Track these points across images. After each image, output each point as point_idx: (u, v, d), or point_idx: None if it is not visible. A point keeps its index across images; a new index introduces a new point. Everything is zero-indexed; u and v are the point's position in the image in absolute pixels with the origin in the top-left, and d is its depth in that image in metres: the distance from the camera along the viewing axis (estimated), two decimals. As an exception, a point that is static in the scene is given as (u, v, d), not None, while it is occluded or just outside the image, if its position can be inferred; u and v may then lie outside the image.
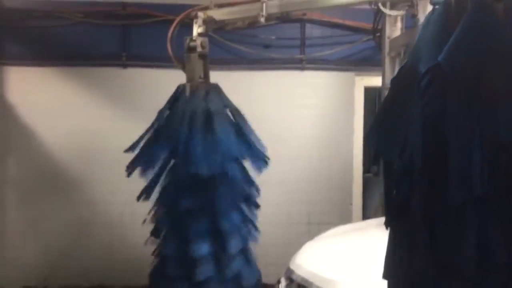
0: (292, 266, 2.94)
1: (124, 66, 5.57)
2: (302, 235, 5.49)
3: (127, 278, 5.41)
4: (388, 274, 1.62)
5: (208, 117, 3.59)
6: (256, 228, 3.74)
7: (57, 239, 5.47)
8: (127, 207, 5.49)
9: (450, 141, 1.38)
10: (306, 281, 2.69)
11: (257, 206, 3.79)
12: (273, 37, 5.60)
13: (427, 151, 1.43)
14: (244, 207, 3.68)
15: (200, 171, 3.39)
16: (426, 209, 1.44)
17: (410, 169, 1.46)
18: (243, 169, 3.75)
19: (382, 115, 1.59)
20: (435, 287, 1.44)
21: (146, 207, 5.31)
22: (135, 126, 5.44)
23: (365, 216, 5.90)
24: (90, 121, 5.51)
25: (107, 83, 5.57)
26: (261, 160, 3.78)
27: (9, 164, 5.54)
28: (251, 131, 3.82)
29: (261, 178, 5.60)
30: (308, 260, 2.96)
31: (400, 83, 1.55)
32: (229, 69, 5.58)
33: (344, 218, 5.47)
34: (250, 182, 3.77)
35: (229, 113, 3.78)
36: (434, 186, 1.43)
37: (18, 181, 5.52)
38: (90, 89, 5.56)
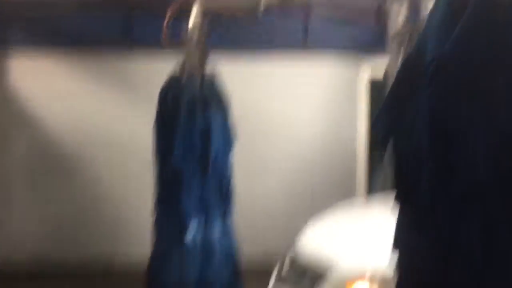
0: (295, 247, 2.98)
1: (129, 52, 5.60)
2: (305, 211, 5.58)
3: (133, 254, 5.52)
4: (397, 245, 1.67)
5: (202, 104, 3.72)
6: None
7: (64, 217, 5.59)
8: (132, 187, 5.58)
9: (455, 129, 1.41)
10: (309, 261, 2.74)
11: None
12: (276, 20, 5.57)
13: (433, 138, 1.45)
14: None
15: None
16: (433, 195, 1.47)
17: (419, 152, 1.49)
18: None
19: (390, 99, 1.61)
20: (441, 264, 1.48)
21: (150, 188, 5.44)
22: (138, 111, 5.54)
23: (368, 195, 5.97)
24: (94, 106, 5.59)
25: (112, 68, 5.62)
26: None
27: (16, 148, 5.61)
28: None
29: (266, 160, 5.69)
30: (311, 240, 3.00)
31: (408, 69, 1.57)
32: (234, 55, 5.58)
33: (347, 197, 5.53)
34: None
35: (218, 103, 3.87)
36: (441, 174, 1.45)
37: (25, 164, 5.61)
38: (94, 74, 5.63)
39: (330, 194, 5.70)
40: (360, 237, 2.86)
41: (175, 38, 4.08)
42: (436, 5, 1.59)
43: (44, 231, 5.57)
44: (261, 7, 3.73)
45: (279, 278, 2.96)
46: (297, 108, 5.73)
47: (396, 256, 1.69)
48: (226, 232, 3.83)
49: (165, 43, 4.08)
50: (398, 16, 4.61)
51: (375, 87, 5.99)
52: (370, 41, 5.65)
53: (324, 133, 5.75)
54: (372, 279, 2.45)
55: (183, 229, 3.70)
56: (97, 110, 5.59)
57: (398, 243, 1.69)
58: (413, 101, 1.53)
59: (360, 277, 2.46)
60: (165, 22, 4.11)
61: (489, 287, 1.40)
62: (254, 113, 5.56)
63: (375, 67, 5.60)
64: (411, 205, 1.59)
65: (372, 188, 6.03)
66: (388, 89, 1.68)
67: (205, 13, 3.92)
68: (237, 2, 3.97)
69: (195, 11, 3.84)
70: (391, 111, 1.61)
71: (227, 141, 3.81)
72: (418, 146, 1.50)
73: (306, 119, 5.76)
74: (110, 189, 5.66)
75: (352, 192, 5.82)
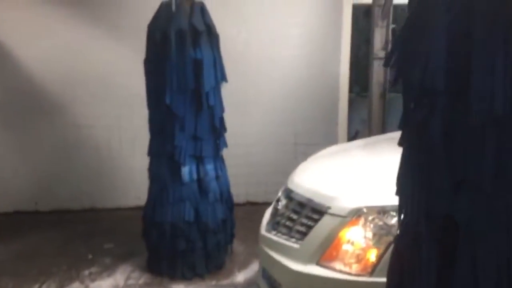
0: (290, 186, 2.98)
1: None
2: (289, 155, 5.60)
3: (117, 200, 5.50)
4: (401, 191, 1.67)
5: (193, 36, 3.62)
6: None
7: (45, 163, 5.43)
8: (114, 131, 5.45)
9: (474, 60, 1.37)
10: (306, 198, 2.75)
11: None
12: None
13: (449, 72, 1.41)
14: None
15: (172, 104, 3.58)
16: (446, 129, 1.46)
17: (431, 90, 1.45)
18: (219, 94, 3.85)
19: (404, 33, 1.56)
20: (450, 203, 1.49)
21: (133, 132, 5.31)
22: (117, 46, 5.30)
23: (350, 135, 6.01)
24: (71, 41, 5.29)
25: (97, 1, 5.30)
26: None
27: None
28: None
29: (248, 98, 5.62)
30: (305, 179, 3.00)
31: (424, 1, 1.51)
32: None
33: (330, 138, 5.56)
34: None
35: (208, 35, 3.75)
36: (455, 106, 1.43)
37: (0, 106, 5.36)
38: (70, 6, 5.29)
39: (313, 132, 5.70)
40: (353, 177, 2.87)
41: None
42: None
43: (24, 178, 5.42)
44: None
45: (275, 213, 2.97)
46: (280, 39, 5.58)
47: (400, 197, 1.68)
48: (220, 169, 3.83)
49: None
50: None
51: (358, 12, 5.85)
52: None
53: (308, 65, 5.66)
54: (367, 219, 2.46)
55: (178, 168, 3.67)
56: (79, 45, 5.29)
57: (404, 183, 1.67)
58: (428, 36, 1.47)
59: (360, 212, 2.46)
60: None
61: (500, 214, 1.40)
62: (235, 45, 5.39)
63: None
64: (420, 144, 1.57)
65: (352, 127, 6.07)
66: (404, 21, 1.60)
67: None
68: None
69: None
70: (404, 47, 1.55)
71: (219, 74, 3.73)
72: (432, 84, 1.46)
73: (290, 49, 5.63)
74: (91, 128, 5.50)
75: (335, 131, 5.83)
